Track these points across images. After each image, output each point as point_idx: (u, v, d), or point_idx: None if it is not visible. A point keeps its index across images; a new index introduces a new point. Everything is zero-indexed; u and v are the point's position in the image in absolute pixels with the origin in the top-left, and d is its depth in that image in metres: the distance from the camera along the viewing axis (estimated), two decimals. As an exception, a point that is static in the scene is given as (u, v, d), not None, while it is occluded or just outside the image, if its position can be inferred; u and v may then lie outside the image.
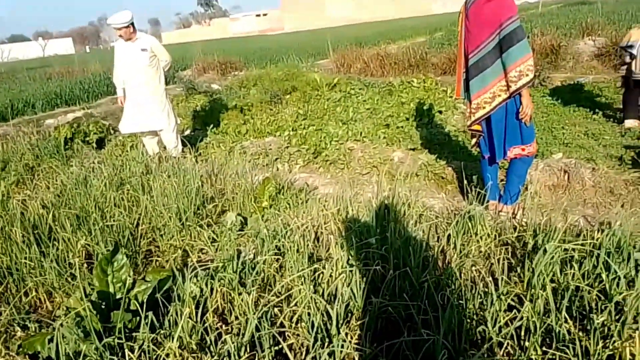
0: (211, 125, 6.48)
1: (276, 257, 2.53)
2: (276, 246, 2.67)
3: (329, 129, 6.00)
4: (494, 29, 2.91)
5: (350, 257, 2.48)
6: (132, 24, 4.90)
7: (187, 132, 6.96)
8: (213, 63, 13.69)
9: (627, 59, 5.25)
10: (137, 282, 2.35)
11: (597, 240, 2.31)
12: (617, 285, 2.02)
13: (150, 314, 1.97)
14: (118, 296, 2.26)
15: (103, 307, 2.20)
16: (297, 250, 2.56)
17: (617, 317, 1.86)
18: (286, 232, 2.76)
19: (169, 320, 2.02)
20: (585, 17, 12.59)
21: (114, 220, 3.12)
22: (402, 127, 6.01)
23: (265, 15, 75.30)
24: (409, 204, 3.14)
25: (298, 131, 5.95)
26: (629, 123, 5.42)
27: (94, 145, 6.24)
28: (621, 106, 5.81)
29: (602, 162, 4.01)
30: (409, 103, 7.09)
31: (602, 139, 4.94)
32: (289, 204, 3.52)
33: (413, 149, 5.11)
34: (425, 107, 6.59)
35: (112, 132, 6.94)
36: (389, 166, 4.61)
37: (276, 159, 5.07)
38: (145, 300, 2.16)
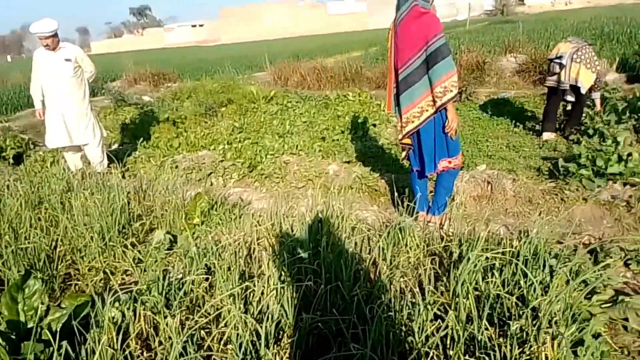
0: (141, 139, 6.25)
1: (206, 276, 2.45)
2: (206, 264, 2.59)
3: (265, 142, 5.97)
4: (421, 45, 3.01)
5: (282, 273, 2.45)
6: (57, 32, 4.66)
7: (115, 146, 6.66)
8: (145, 74, 13.25)
9: (557, 69, 5.63)
10: (51, 309, 2.18)
11: (516, 248, 2.43)
12: (534, 290, 2.13)
13: (64, 343, 1.83)
14: (30, 325, 2.09)
15: (13, 337, 2.02)
16: (229, 268, 2.50)
17: (534, 322, 1.96)
18: (217, 249, 2.69)
19: (86, 349, 1.89)
20: (508, 35, 13.42)
21: (28, 242, 2.90)
22: (337, 140, 6.09)
23: (201, 26, 74.19)
24: (342, 216, 3.16)
25: (233, 144, 5.87)
26: (546, 135, 5.80)
27: (11, 161, 5.82)
28: (540, 119, 6.22)
29: (522, 173, 4.25)
30: (345, 116, 7.21)
31: (522, 151, 5.25)
32: (221, 219, 3.44)
33: (348, 162, 5.18)
34: (360, 120, 6.72)
35: (31, 146, 6.50)
36: (324, 179, 4.64)
37: (210, 173, 4.95)
38: (59, 329, 2.02)
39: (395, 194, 3.91)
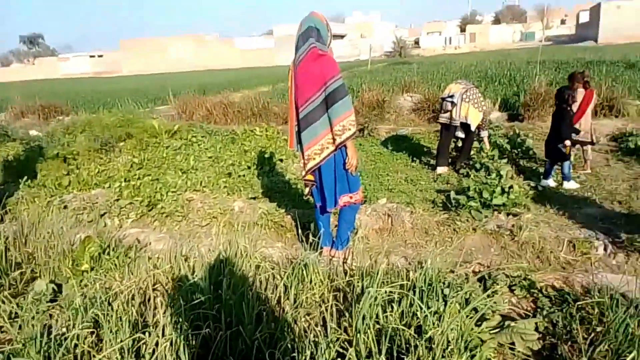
0: (25, 178, 5.67)
1: (92, 329, 2.24)
2: (94, 316, 2.38)
3: (167, 178, 5.74)
4: (320, 86, 3.11)
5: (180, 320, 2.32)
6: None
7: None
8: (34, 106, 12.25)
9: (449, 107, 6.09)
10: None
11: (412, 280, 2.52)
12: (430, 321, 2.21)
13: None
14: None
15: None
16: (120, 319, 2.31)
17: (430, 352, 2.02)
18: (107, 298, 2.49)
19: None
20: (405, 76, 14.41)
21: None
22: (243, 175, 6.03)
23: (100, 56, 70.91)
24: (247, 255, 3.09)
25: (131, 182, 5.56)
26: (440, 169, 6.22)
27: None
28: (434, 155, 6.66)
29: (419, 206, 4.48)
30: (252, 151, 7.19)
31: (419, 184, 5.57)
32: (115, 264, 3.21)
33: (254, 198, 5.13)
34: (266, 156, 6.74)
35: None
36: (229, 216, 4.55)
37: (104, 213, 4.63)
38: None
39: (302, 229, 3.94)
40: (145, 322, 2.41)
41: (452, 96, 6.05)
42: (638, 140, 6.44)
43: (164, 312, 2.44)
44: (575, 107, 5.39)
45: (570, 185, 5.30)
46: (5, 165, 6.67)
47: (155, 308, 2.54)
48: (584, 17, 59.94)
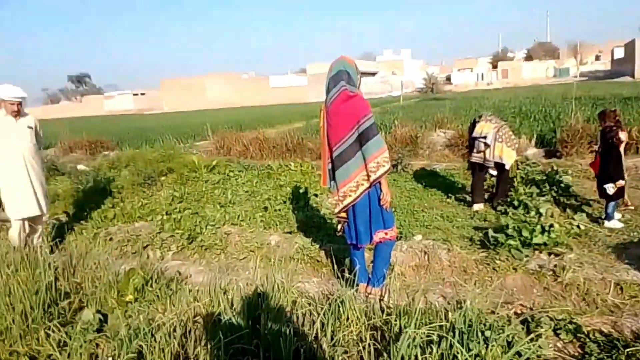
0: (73, 210, 5.96)
1: (137, 359, 2.31)
2: (139, 346, 2.45)
3: (206, 212, 5.90)
4: (353, 125, 3.21)
5: (219, 354, 2.36)
6: None
7: (44, 218, 6.29)
8: (81, 142, 12.89)
9: (482, 147, 6.03)
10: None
11: (450, 322, 2.49)
12: (472, 363, 2.18)
13: None
14: None
15: None
16: (162, 350, 2.38)
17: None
18: (150, 329, 2.56)
19: None
20: (437, 112, 14.44)
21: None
22: (279, 210, 6.12)
23: (143, 94, 74.20)
24: (284, 289, 3.13)
25: (172, 215, 5.74)
26: (476, 207, 6.13)
27: None
28: (469, 191, 6.59)
29: (456, 243, 4.42)
30: (287, 186, 7.31)
31: (456, 221, 5.50)
32: (157, 296, 3.30)
33: (290, 232, 5.19)
34: (301, 191, 6.82)
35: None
36: (266, 250, 4.61)
37: (146, 245, 4.78)
38: None
39: (338, 265, 3.96)
40: (187, 355, 2.46)
41: (485, 137, 5.97)
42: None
43: (204, 345, 2.49)
44: (622, 147, 5.27)
45: (612, 224, 5.14)
46: (54, 199, 7.00)
47: (195, 341, 2.59)
48: (619, 53, 58.99)
